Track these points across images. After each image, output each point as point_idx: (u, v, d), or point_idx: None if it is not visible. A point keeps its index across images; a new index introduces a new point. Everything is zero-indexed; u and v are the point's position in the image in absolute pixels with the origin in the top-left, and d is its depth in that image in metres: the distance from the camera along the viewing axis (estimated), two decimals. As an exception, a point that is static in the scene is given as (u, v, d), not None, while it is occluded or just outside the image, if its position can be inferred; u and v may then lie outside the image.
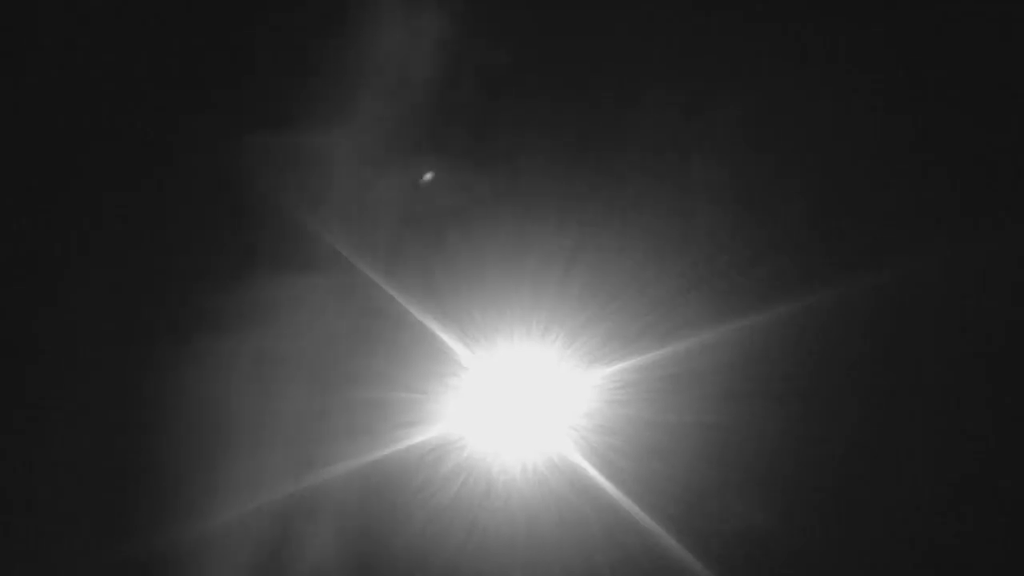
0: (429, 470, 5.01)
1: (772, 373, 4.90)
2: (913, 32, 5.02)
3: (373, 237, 5.00)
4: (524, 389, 5.07)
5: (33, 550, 4.87)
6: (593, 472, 4.95)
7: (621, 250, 4.94)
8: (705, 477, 4.93)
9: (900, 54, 5.01)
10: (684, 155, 4.97)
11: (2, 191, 5.01)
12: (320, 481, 4.96)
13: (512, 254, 4.99)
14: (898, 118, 4.98)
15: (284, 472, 4.98)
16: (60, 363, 5.02)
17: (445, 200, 5.04)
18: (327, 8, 5.11)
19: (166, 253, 5.04)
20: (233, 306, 4.88)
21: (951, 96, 5.00)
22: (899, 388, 4.92)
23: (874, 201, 4.94)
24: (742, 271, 4.94)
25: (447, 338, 4.97)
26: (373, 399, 5.00)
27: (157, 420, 4.92)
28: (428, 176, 5.06)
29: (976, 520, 4.86)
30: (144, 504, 4.93)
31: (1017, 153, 4.96)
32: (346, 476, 4.97)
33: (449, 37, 5.09)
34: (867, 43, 5.03)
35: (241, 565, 4.94)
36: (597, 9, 5.17)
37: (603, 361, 4.97)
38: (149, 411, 4.90)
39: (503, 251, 5.00)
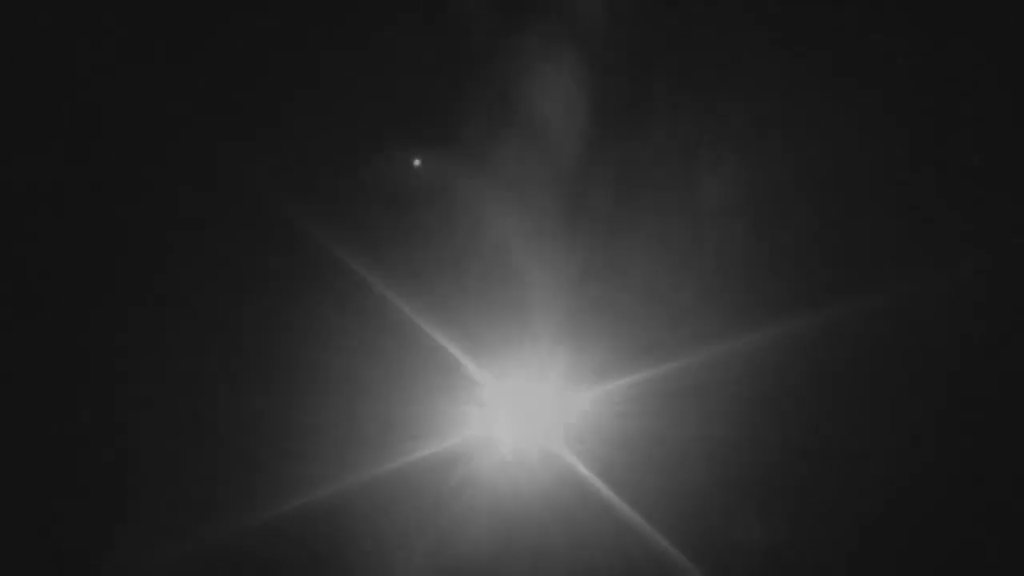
0: (436, 483, 5.03)
1: (777, 387, 4.94)
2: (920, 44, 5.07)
3: (382, 250, 5.01)
4: (532, 402, 5.10)
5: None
6: (600, 485, 4.98)
7: (629, 265, 4.97)
8: (711, 490, 4.96)
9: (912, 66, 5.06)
10: (695, 169, 5.01)
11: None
12: (328, 494, 4.98)
13: (521, 268, 5.02)
14: (911, 134, 5.03)
15: (291, 485, 4.99)
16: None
17: (455, 213, 5.06)
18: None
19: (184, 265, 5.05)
20: (246, 319, 4.90)
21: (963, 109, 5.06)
22: (904, 401, 4.97)
23: (883, 219, 4.98)
24: (749, 286, 4.98)
25: (455, 352, 4.99)
26: (382, 412, 5.02)
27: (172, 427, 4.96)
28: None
29: (982, 527, 4.92)
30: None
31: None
32: (354, 489, 4.98)
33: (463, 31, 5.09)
34: (878, 56, 5.07)
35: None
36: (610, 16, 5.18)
37: (610, 375, 5.01)
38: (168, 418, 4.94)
39: (512, 265, 5.02)
